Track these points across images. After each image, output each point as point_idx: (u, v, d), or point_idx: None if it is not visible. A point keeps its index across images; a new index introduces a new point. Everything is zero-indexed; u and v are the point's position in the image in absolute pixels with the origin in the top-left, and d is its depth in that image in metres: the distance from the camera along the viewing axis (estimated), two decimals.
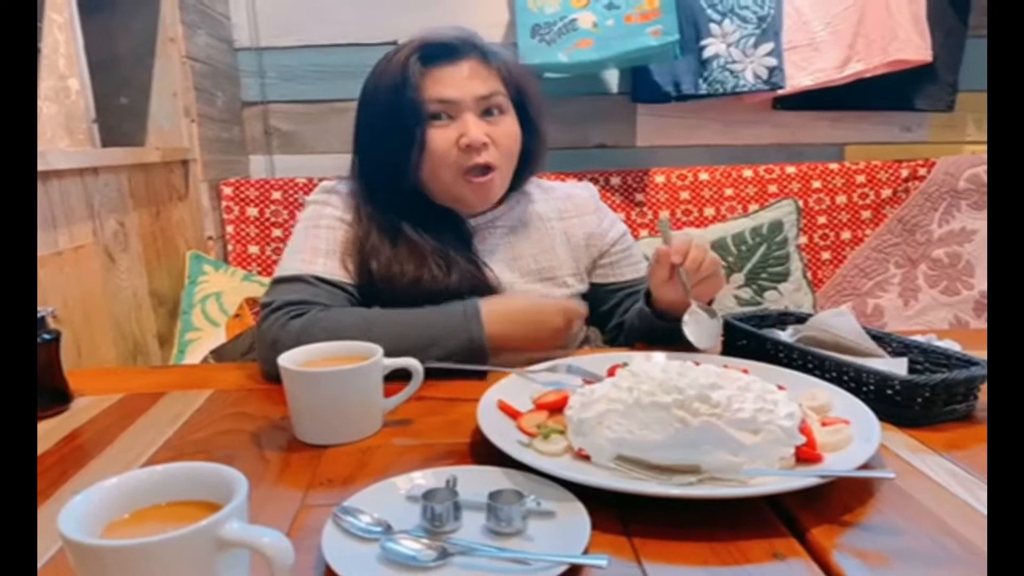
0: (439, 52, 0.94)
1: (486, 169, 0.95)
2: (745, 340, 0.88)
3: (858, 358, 0.77)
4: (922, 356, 0.79)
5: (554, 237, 1.05)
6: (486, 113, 0.95)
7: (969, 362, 0.72)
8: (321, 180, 1.85)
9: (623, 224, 1.13)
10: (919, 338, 0.85)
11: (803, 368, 0.78)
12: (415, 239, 0.95)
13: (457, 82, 0.93)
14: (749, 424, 0.56)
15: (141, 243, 1.46)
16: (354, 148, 1.02)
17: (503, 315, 0.86)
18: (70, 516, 0.38)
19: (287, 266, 0.94)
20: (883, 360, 0.79)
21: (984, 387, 0.72)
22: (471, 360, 0.82)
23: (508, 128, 0.96)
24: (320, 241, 0.96)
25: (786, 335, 0.88)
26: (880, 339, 0.83)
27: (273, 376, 0.75)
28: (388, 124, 0.94)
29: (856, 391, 0.70)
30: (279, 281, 0.92)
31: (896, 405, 0.68)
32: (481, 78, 0.95)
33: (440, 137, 0.94)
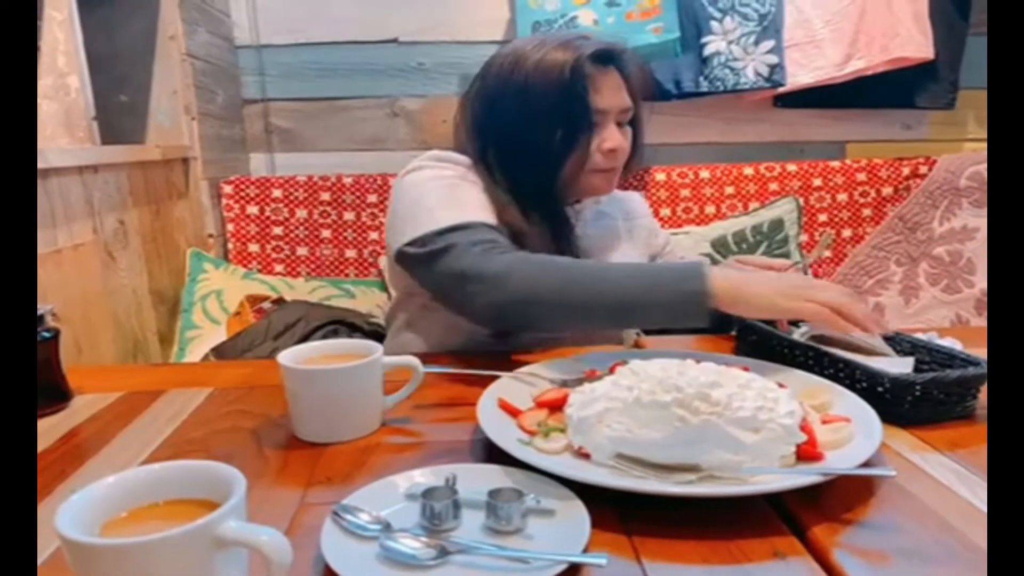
0: (602, 58, 0.96)
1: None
2: (755, 336, 0.89)
3: (866, 357, 0.76)
4: (928, 356, 0.79)
5: (618, 234, 1.12)
6: (618, 123, 0.99)
7: (969, 362, 0.72)
8: (322, 178, 1.86)
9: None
10: (921, 336, 0.84)
11: (803, 365, 0.78)
12: (528, 219, 0.96)
13: (610, 91, 0.96)
14: (749, 422, 0.55)
15: (141, 241, 1.45)
16: (475, 131, 1.00)
17: (735, 274, 0.80)
18: (67, 514, 0.38)
19: (446, 216, 0.88)
20: (890, 359, 0.78)
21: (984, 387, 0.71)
22: (685, 319, 0.77)
23: (628, 134, 1.01)
24: (472, 197, 0.94)
25: (798, 333, 0.88)
26: (888, 338, 0.83)
27: (485, 317, 0.86)
28: (548, 122, 0.94)
29: (851, 388, 0.70)
30: (450, 230, 0.86)
31: (886, 403, 0.68)
32: (624, 90, 0.98)
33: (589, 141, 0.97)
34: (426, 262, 0.88)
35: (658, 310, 0.78)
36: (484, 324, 0.91)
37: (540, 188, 0.98)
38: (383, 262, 1.85)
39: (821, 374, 0.74)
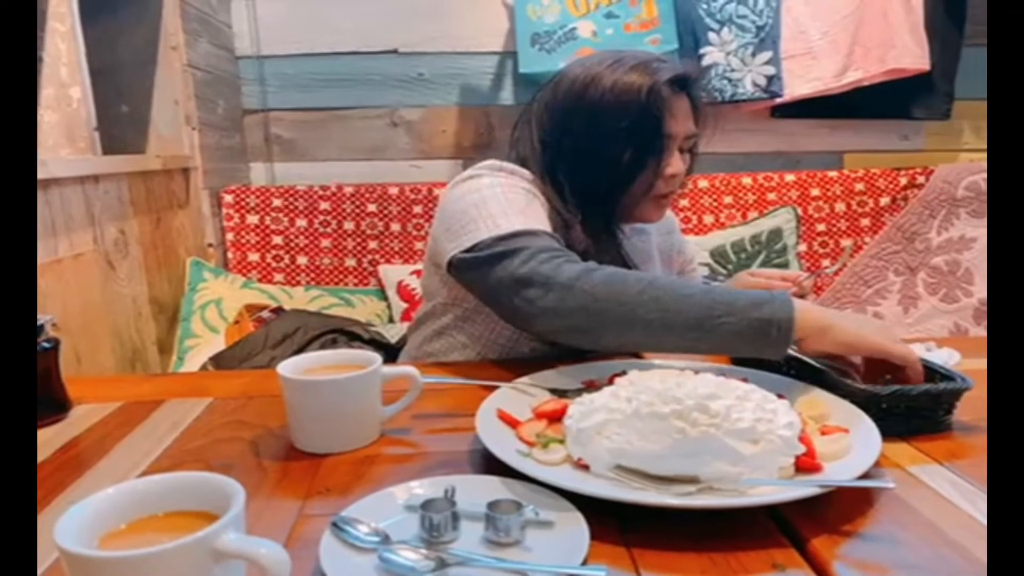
0: (678, 83, 0.95)
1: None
2: None
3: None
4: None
5: (651, 250, 1.13)
6: (680, 149, 0.98)
7: (947, 377, 0.72)
8: (322, 187, 1.87)
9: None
10: (918, 346, 0.84)
11: (787, 376, 0.78)
12: (586, 237, 0.95)
13: (682, 117, 0.96)
14: (748, 434, 0.55)
15: (141, 250, 1.46)
16: (543, 147, 0.99)
17: (822, 308, 0.76)
18: (66, 527, 0.38)
19: (509, 223, 0.86)
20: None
21: (960, 402, 0.71)
22: (764, 346, 0.74)
23: (687, 160, 1.00)
24: (535, 208, 0.92)
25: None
26: None
27: (545, 324, 0.80)
28: (620, 143, 0.92)
29: None
30: (514, 236, 0.85)
31: None
32: (691, 117, 0.97)
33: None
34: (483, 266, 0.85)
35: (735, 334, 0.73)
36: (541, 332, 0.85)
37: (603, 209, 0.97)
38: (382, 270, 1.85)
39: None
